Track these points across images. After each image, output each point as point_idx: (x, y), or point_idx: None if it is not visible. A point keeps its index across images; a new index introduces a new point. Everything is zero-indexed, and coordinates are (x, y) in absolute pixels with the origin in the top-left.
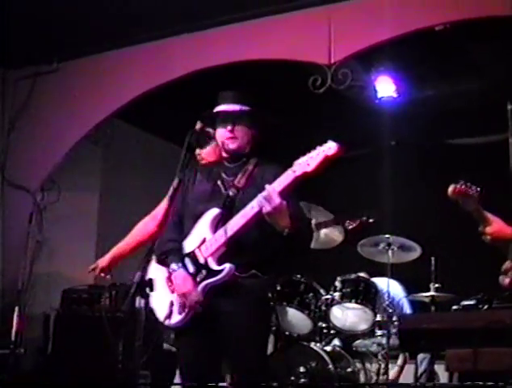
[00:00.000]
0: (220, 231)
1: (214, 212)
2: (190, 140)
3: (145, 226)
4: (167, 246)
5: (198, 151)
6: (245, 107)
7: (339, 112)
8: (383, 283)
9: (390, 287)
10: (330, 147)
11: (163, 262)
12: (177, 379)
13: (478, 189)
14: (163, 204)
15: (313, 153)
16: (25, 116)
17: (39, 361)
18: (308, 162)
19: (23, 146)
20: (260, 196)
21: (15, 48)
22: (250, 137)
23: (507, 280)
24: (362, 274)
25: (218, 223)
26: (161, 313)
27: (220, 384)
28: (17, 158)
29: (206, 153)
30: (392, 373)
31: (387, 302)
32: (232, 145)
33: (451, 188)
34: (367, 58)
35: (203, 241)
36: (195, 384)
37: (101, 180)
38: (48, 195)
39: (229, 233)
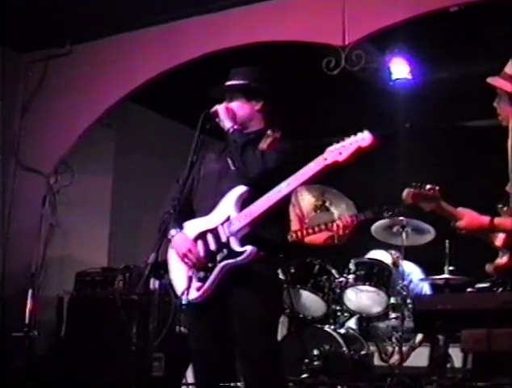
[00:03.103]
0: (246, 211)
1: (240, 189)
2: (204, 122)
3: None
4: (163, 217)
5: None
6: (239, 82)
7: (353, 94)
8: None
9: (407, 269)
10: (364, 138)
11: (163, 235)
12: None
13: (436, 188)
14: None
15: (346, 143)
16: (38, 99)
17: (53, 344)
18: (340, 151)
19: (37, 129)
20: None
21: (28, 31)
22: (251, 111)
23: (491, 268)
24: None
25: (244, 202)
26: (179, 287)
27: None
28: (30, 142)
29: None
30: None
31: (401, 285)
32: (227, 123)
33: (405, 194)
34: (382, 40)
35: (227, 219)
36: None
37: (114, 163)
38: (62, 178)
39: (254, 214)
